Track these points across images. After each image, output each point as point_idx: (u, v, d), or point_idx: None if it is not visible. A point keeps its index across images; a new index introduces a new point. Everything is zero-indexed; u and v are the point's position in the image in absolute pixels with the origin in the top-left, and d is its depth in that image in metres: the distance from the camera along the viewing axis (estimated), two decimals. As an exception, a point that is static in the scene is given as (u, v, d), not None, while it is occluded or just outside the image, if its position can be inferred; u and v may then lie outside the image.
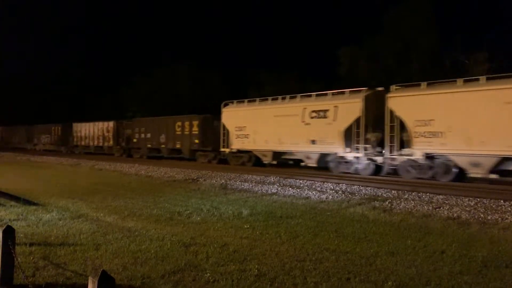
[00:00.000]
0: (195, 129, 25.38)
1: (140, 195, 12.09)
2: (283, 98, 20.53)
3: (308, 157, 19.17)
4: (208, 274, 5.15)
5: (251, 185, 14.19)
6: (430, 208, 10.00)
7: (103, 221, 8.23)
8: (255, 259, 5.82)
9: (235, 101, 23.14)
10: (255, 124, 21.29)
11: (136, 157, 29.84)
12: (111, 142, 33.04)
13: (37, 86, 64.34)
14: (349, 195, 11.92)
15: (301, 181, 14.73)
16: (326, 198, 11.62)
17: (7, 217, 8.29)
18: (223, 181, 15.35)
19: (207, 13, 79.49)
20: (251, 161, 22.10)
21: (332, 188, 13.26)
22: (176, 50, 74.40)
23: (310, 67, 49.10)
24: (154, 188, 14.11)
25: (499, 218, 8.84)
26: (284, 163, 21.40)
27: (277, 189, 13.30)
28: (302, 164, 19.79)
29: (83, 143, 36.34)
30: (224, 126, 23.12)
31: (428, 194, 11.63)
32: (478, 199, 10.67)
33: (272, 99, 21.11)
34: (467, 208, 9.79)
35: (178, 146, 26.56)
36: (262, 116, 20.90)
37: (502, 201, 10.36)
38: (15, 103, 62.50)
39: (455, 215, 9.28)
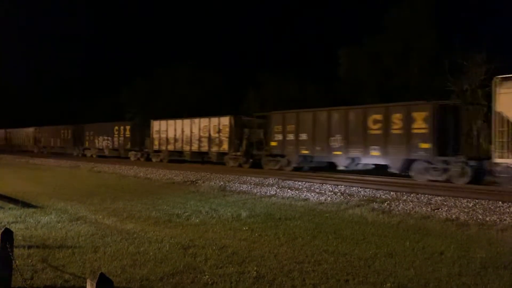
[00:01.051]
0: (421, 126, 15.53)
1: (138, 197, 12.08)
2: None
3: None
4: (207, 276, 5.14)
5: (249, 187, 14.19)
6: (429, 209, 10.02)
7: (102, 224, 8.22)
8: (253, 261, 5.82)
9: None
10: None
11: (272, 168, 20.35)
12: (224, 147, 23.31)
13: (36, 87, 64.57)
14: (348, 197, 11.92)
15: (299, 183, 14.72)
16: (325, 200, 11.62)
17: (6, 219, 8.28)
18: (221, 183, 15.34)
19: (207, 14, 79.85)
20: None
21: (331, 189, 13.26)
22: (176, 50, 74.70)
23: (310, 68, 49.24)
24: (153, 190, 14.10)
25: (498, 220, 8.85)
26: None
27: (275, 191, 13.29)
28: None
29: (170, 147, 26.78)
30: (504, 120, 13.52)
31: (426, 195, 11.64)
32: (477, 201, 10.68)
33: None
34: (465, 210, 9.80)
35: (374, 153, 16.69)
36: None
37: (500, 202, 10.37)
38: (14, 105, 62.62)
39: (453, 216, 9.29)
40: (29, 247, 6.25)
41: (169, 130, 26.90)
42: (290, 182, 14.99)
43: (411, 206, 10.44)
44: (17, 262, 4.53)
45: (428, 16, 30.64)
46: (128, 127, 30.86)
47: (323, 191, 12.97)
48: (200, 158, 25.38)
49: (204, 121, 24.75)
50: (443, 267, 5.65)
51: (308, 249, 6.48)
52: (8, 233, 4.44)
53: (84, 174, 20.84)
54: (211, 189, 14.16)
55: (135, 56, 76.21)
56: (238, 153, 22.55)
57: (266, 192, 13.14)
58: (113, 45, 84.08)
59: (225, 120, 23.44)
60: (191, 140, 25.37)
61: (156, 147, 27.82)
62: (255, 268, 5.47)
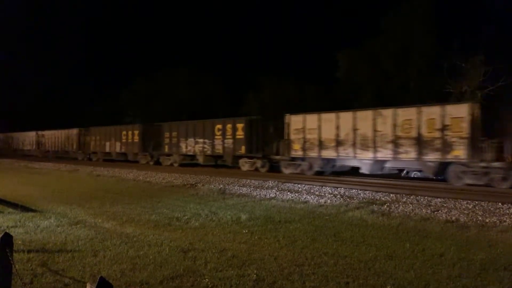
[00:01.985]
0: None
1: (138, 200, 12.07)
2: None
3: None
4: (207, 279, 5.14)
5: (249, 190, 14.18)
6: (429, 211, 10.01)
7: (101, 227, 8.21)
8: (253, 264, 5.81)
9: None
10: None
11: None
12: (457, 153, 14.73)
13: (36, 91, 64.66)
14: (348, 199, 11.92)
15: (299, 186, 14.72)
16: (325, 202, 11.62)
17: (5, 224, 8.27)
18: (221, 186, 15.33)
19: (206, 17, 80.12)
20: None
21: (331, 192, 13.25)
22: (176, 52, 74.89)
23: (309, 70, 49.42)
24: (153, 193, 14.09)
25: (497, 221, 8.85)
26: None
27: (275, 193, 13.29)
28: None
29: (326, 153, 18.42)
30: None
31: (426, 197, 11.64)
32: (476, 202, 10.69)
33: None
34: (465, 211, 9.80)
35: None
36: None
37: (500, 203, 10.37)
38: (15, 109, 62.73)
39: (453, 218, 9.29)
40: (29, 251, 6.24)
41: (324, 128, 18.50)
42: (290, 185, 14.98)
43: (410, 208, 10.44)
44: (16, 266, 4.52)
45: (427, 18, 30.73)
46: (240, 126, 22.14)
47: (322, 194, 12.97)
48: (381, 170, 17.27)
49: (405, 113, 16.02)
50: (443, 269, 5.65)
51: (308, 252, 6.47)
52: (7, 237, 4.43)
53: (84, 177, 20.82)
54: (211, 192, 14.15)
55: (134, 58, 76.48)
56: (496, 164, 13.71)
57: (265, 195, 13.13)
58: (112, 47, 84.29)
59: (459, 110, 14.84)
60: (374, 143, 16.80)
61: (297, 153, 19.47)
62: (255, 271, 5.46)
